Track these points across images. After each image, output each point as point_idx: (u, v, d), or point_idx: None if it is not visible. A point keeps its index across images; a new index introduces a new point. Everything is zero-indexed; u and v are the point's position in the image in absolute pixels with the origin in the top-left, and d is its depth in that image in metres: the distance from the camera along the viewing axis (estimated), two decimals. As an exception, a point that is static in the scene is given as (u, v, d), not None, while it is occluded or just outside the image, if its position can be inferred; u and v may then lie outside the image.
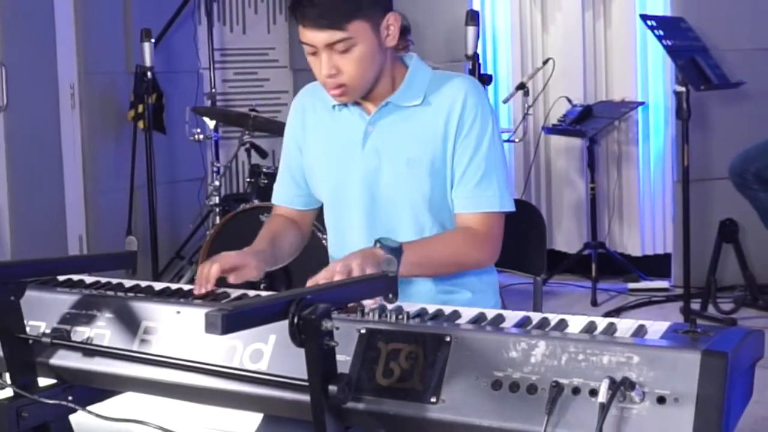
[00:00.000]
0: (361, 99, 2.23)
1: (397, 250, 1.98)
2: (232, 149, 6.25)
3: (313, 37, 2.06)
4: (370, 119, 2.22)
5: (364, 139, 2.22)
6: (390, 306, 1.76)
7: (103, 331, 1.87)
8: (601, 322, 1.63)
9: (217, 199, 5.27)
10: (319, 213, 2.45)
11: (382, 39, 2.12)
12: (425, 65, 2.27)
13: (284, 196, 2.42)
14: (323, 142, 2.30)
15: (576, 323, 1.65)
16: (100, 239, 5.67)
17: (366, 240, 2.19)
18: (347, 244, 2.23)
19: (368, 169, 2.22)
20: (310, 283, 1.85)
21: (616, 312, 5.04)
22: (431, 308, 1.84)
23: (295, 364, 1.53)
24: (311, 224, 2.46)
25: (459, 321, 1.75)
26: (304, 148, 2.34)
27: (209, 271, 2.05)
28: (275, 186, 2.44)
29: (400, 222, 2.21)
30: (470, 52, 5.19)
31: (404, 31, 5.45)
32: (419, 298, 2.15)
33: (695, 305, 4.81)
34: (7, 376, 1.89)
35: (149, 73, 5.43)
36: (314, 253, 2.39)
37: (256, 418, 2.06)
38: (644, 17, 4.80)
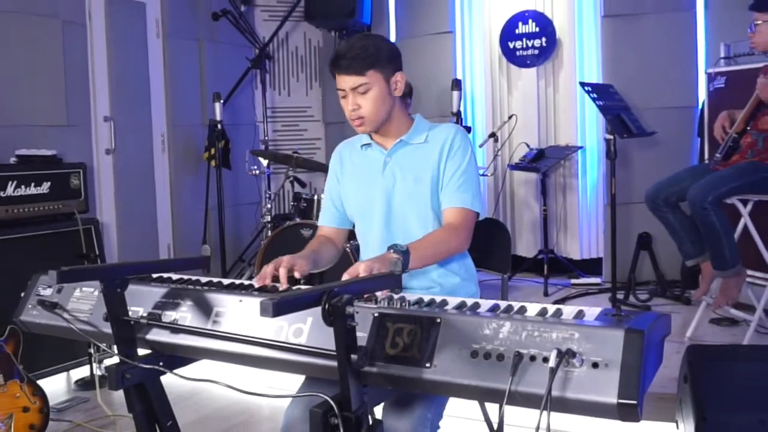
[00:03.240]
0: (381, 139, 2.31)
1: (406, 252, 1.98)
2: (280, 181, 6.28)
3: (343, 81, 2.17)
4: (388, 152, 2.29)
5: (383, 166, 2.28)
6: (396, 296, 1.76)
7: (185, 314, 1.88)
8: (551, 308, 1.63)
9: (269, 218, 5.27)
10: (350, 235, 2.46)
11: (391, 88, 2.21)
12: (426, 120, 2.35)
13: (326, 218, 2.44)
14: (354, 171, 2.36)
15: (533, 309, 1.65)
16: (183, 247, 5.68)
17: (384, 241, 2.22)
18: (372, 246, 2.28)
19: (386, 187, 2.27)
20: (344, 277, 1.84)
21: (562, 300, 4.99)
22: (426, 298, 1.84)
23: (327, 339, 1.54)
24: (344, 242, 2.45)
25: (447, 307, 1.74)
26: (341, 178, 2.39)
27: (273, 270, 2.03)
28: (320, 213, 2.47)
29: (410, 225, 2.24)
30: (455, 109, 5.22)
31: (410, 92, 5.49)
32: (426, 280, 2.24)
33: (620, 295, 4.77)
34: (115, 347, 1.91)
35: (219, 125, 5.46)
36: (343, 264, 2.39)
37: (299, 378, 2.06)
38: (582, 84, 4.79)
